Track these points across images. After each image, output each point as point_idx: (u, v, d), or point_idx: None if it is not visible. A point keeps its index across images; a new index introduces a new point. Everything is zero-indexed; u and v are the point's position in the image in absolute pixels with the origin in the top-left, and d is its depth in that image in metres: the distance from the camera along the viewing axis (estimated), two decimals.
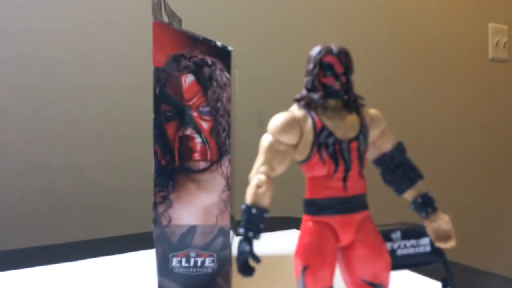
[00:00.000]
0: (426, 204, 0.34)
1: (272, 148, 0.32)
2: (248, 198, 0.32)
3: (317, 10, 1.21)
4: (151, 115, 0.53)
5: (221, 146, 0.54)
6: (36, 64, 0.89)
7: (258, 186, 0.32)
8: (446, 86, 1.53)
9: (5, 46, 0.87)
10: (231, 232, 0.56)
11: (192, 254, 0.55)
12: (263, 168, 0.32)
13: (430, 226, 0.34)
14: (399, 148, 0.35)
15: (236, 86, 0.64)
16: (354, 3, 1.31)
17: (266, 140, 0.33)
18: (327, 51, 0.32)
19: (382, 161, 0.35)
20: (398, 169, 0.34)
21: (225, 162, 0.55)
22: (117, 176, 0.95)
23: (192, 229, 0.55)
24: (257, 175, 0.32)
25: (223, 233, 0.55)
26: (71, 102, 0.92)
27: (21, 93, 0.89)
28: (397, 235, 0.41)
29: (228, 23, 1.08)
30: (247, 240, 0.31)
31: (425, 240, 0.42)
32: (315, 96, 0.32)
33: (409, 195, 0.35)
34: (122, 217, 0.93)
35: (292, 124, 0.32)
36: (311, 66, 0.33)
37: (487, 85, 1.61)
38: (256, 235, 0.32)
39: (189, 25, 0.59)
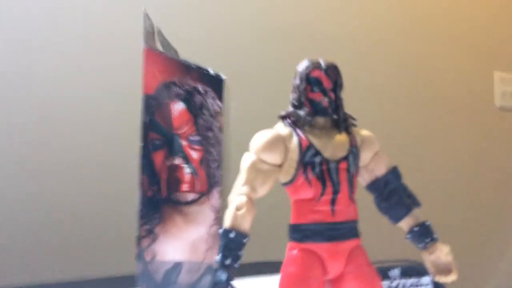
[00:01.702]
0: (423, 234, 0.31)
1: (254, 168, 0.30)
2: (227, 221, 0.29)
3: (323, 50, 1.21)
4: (138, 143, 0.51)
5: (211, 177, 0.52)
6: (25, 97, 0.89)
7: (238, 209, 0.29)
8: (452, 135, 1.51)
9: None
10: None
11: None
12: (244, 189, 0.30)
13: (428, 258, 0.30)
14: (394, 172, 0.32)
15: (231, 117, 0.63)
16: (359, 46, 1.31)
17: (248, 159, 0.30)
18: (315, 65, 0.30)
19: (376, 186, 0.32)
20: (392, 195, 0.32)
21: (215, 194, 0.52)
22: (100, 210, 0.92)
23: (177, 266, 0.51)
24: (237, 197, 0.29)
25: (212, 271, 0.51)
26: (53, 131, 0.91)
27: (7, 127, 0.88)
28: (395, 272, 0.38)
29: (227, 57, 1.08)
30: (224, 268, 0.28)
31: (426, 279, 0.38)
32: (302, 112, 0.30)
33: (405, 224, 0.31)
34: (107, 256, 0.89)
35: (277, 142, 0.30)
36: (297, 81, 0.31)
37: (494, 134, 1.59)
38: (234, 263, 0.28)
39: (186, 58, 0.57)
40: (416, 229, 0.31)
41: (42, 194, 0.88)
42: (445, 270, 0.29)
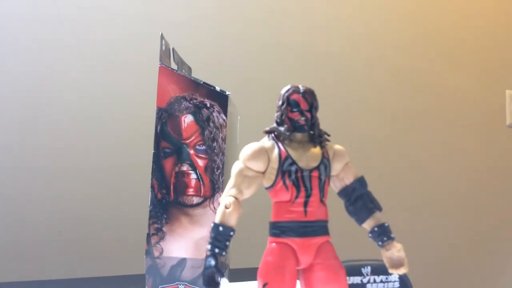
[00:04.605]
0: (382, 234, 0.36)
1: (241, 174, 0.36)
2: (217, 217, 0.35)
3: (327, 67, 1.26)
4: (150, 151, 0.57)
5: (214, 183, 0.58)
6: (39, 104, 0.96)
7: (226, 207, 0.35)
8: (463, 152, 1.52)
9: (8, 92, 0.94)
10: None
11: (181, 287, 0.57)
12: (232, 191, 0.36)
13: (385, 254, 0.36)
14: (361, 181, 0.38)
15: (237, 129, 0.69)
16: (368, 64, 1.35)
17: (236, 166, 0.37)
18: (294, 90, 0.37)
19: (345, 192, 0.38)
20: (358, 200, 0.37)
21: (217, 198, 0.58)
22: (112, 213, 0.98)
23: (182, 262, 0.57)
24: (226, 197, 0.36)
25: None
26: (70, 134, 0.98)
27: (19, 133, 0.94)
28: (367, 270, 0.43)
29: (233, 75, 1.14)
30: (214, 256, 0.34)
31: (394, 277, 0.44)
32: (282, 129, 0.36)
33: (368, 224, 0.37)
34: (118, 256, 0.95)
35: (261, 153, 0.36)
36: (280, 102, 0.37)
37: (505, 151, 1.59)
38: (222, 252, 0.35)
39: (199, 76, 0.64)
40: (376, 229, 0.37)
41: (63, 197, 0.96)
42: (398, 264, 0.35)
